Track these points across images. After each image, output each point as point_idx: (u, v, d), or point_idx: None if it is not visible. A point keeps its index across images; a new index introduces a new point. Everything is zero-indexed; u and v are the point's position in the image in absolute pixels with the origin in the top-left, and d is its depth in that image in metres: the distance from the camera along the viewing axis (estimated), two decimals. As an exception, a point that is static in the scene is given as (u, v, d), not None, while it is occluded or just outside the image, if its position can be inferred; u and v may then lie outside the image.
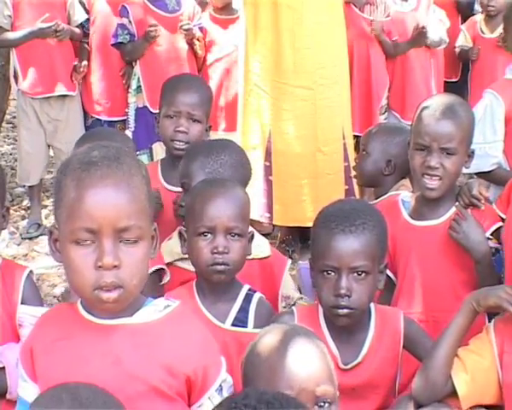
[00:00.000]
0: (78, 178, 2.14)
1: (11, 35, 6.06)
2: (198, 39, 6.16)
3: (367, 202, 4.25)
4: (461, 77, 7.31)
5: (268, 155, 5.35)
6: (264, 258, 3.80)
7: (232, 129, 5.84)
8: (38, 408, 2.12)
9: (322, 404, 2.21)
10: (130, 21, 5.97)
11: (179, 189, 3.71)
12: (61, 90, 5.99)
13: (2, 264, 3.45)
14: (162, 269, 3.56)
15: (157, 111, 4.37)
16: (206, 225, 2.89)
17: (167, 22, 6.05)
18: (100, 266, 2.14)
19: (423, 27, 6.55)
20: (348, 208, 3.23)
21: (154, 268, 3.46)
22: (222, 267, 2.89)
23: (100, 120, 6.22)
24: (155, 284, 3.37)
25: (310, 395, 2.23)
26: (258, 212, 5.17)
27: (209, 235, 2.89)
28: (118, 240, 2.18)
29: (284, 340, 2.38)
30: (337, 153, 5.39)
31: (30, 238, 6.11)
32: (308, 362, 2.35)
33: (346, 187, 5.38)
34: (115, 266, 2.19)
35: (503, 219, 3.54)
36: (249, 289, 3.34)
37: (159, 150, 5.30)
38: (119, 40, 5.98)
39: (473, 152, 3.65)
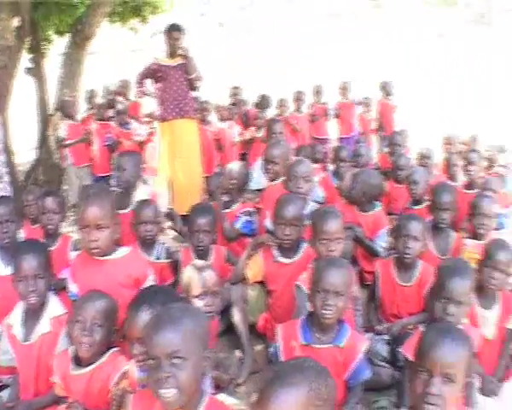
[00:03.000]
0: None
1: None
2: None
3: (211, 204, 5.17)
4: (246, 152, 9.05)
5: (170, 184, 6.82)
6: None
7: (155, 174, 7.11)
8: (83, 298, 3.05)
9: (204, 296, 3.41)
10: (111, 137, 8.14)
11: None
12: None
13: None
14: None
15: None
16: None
17: (125, 133, 8.26)
18: (89, 241, 3.24)
19: None
20: (205, 205, 4.87)
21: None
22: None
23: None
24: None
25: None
26: (165, 206, 6.20)
27: None
28: (95, 229, 3.24)
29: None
30: (198, 184, 6.94)
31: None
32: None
33: (202, 198, 6.53)
34: (95, 240, 3.24)
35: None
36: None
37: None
38: (108, 143, 8.19)
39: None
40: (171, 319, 2.16)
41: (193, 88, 6.98)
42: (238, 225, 5.07)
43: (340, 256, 3.64)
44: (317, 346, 3.03)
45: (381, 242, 4.98)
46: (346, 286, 3.05)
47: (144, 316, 2.63)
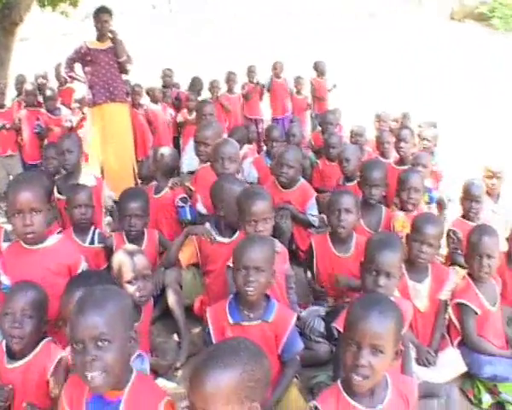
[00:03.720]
0: None
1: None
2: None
3: (143, 188, 5.31)
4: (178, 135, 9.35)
5: (101, 169, 6.60)
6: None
7: (87, 160, 6.86)
8: (12, 290, 3.04)
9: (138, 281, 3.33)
10: (40, 124, 7.97)
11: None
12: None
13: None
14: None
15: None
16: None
17: (55, 120, 8.23)
18: (23, 226, 3.16)
19: None
20: (136, 190, 4.97)
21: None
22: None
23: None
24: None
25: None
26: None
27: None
28: (30, 213, 3.15)
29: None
30: (130, 168, 6.94)
31: None
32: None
33: (135, 182, 6.85)
34: (29, 225, 3.16)
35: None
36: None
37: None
38: (37, 130, 7.98)
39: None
40: (94, 302, 2.17)
41: (123, 71, 6.88)
42: (189, 216, 4.98)
43: (280, 235, 3.70)
44: (246, 323, 3.05)
45: (312, 211, 5.08)
46: (267, 262, 3.06)
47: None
